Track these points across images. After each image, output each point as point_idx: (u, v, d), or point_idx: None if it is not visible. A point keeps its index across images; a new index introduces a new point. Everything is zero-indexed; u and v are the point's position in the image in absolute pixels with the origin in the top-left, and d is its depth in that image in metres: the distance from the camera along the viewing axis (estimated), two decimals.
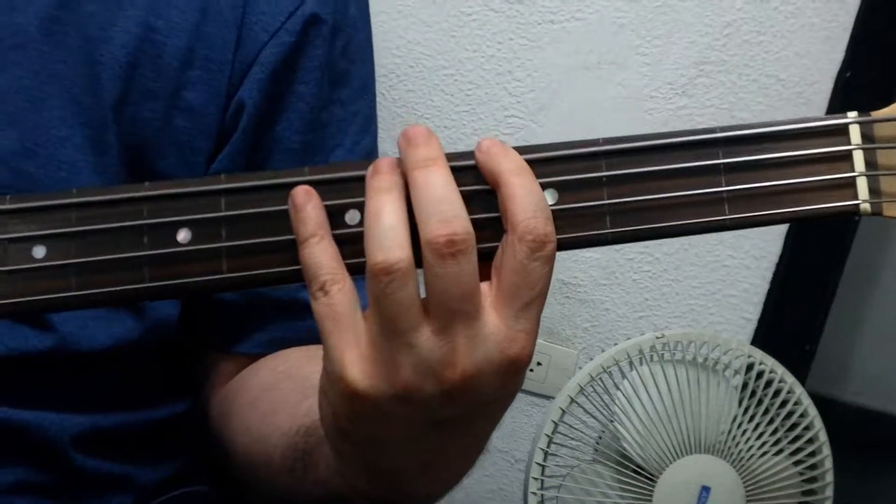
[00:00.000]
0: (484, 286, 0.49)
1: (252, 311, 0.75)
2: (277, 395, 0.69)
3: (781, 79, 1.43)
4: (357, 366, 0.49)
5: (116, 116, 0.68)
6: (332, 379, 0.50)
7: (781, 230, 1.51)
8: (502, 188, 0.49)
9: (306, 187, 0.51)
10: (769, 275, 1.54)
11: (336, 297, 0.49)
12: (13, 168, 0.67)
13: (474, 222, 0.49)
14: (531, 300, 0.49)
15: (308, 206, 0.50)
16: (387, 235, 0.48)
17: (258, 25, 0.70)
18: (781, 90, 1.44)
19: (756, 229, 1.51)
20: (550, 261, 0.49)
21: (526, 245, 0.48)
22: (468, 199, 0.50)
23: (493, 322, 0.48)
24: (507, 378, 0.50)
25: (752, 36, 1.43)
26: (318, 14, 0.72)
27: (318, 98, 0.74)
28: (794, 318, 1.56)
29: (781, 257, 1.52)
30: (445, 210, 0.48)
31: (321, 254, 0.49)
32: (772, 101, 1.44)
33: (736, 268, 1.54)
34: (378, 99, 1.57)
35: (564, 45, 1.48)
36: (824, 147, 0.52)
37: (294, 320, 0.73)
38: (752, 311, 1.56)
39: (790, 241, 1.51)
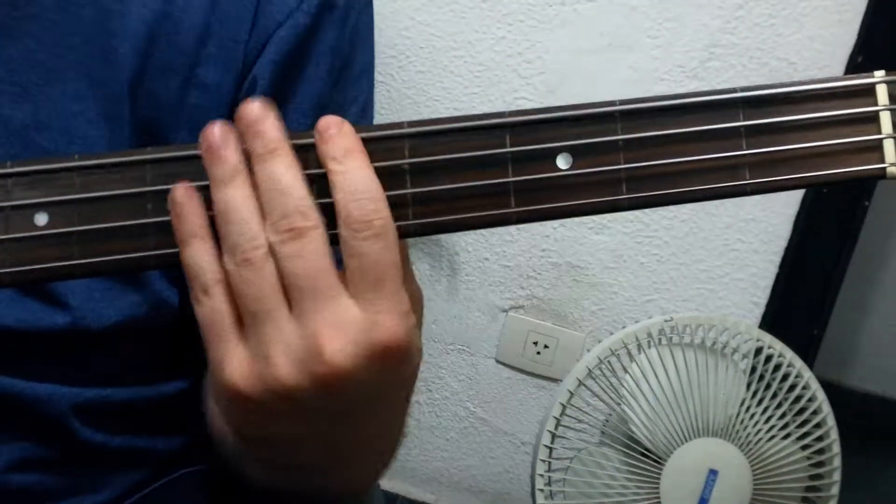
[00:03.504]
0: (342, 273, 0.50)
1: None
2: None
3: (793, 62, 1.43)
4: (237, 368, 0.50)
5: (133, 92, 0.68)
6: (217, 384, 0.52)
7: (790, 215, 1.51)
8: (328, 174, 0.50)
9: (186, 185, 0.51)
10: (778, 259, 1.54)
11: (218, 299, 0.50)
12: (25, 141, 0.66)
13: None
14: (377, 279, 0.49)
15: (188, 205, 0.50)
16: (242, 227, 0.49)
17: (274, 5, 0.70)
18: (793, 74, 1.43)
19: (765, 213, 1.51)
20: (382, 238, 0.49)
21: (350, 229, 0.49)
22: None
23: (350, 306, 0.49)
24: (387, 365, 0.50)
25: (763, 19, 1.43)
26: None
27: (327, 82, 0.74)
28: (803, 302, 1.56)
29: (790, 242, 1.52)
30: (286, 203, 0.49)
31: (203, 254, 0.50)
32: None
33: (745, 252, 1.54)
34: (387, 80, 1.57)
35: (575, 28, 1.47)
36: (849, 108, 0.50)
37: None
38: (760, 296, 1.56)
39: (799, 226, 1.51)
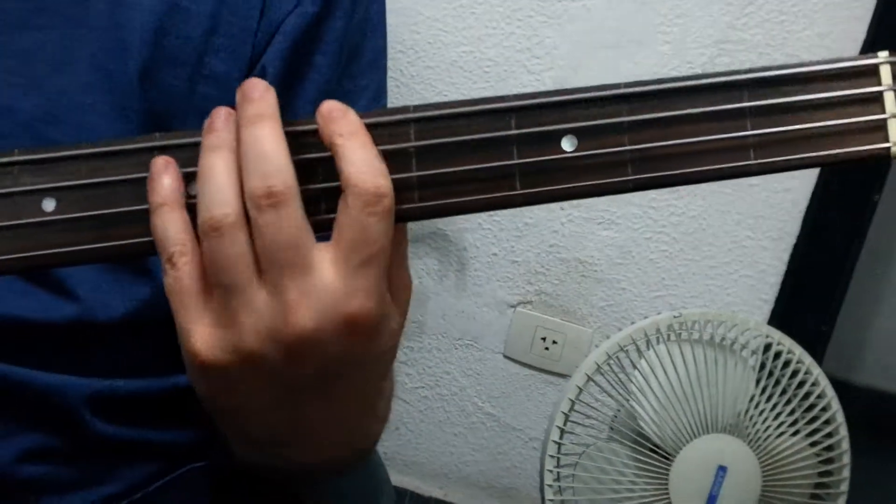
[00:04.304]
0: (325, 244, 0.50)
1: None
2: None
3: (803, 59, 1.42)
4: (201, 337, 0.51)
5: (142, 83, 0.68)
6: (184, 353, 0.52)
7: (800, 211, 1.50)
8: (334, 150, 0.50)
9: (166, 157, 0.51)
10: (787, 256, 1.54)
11: (183, 270, 0.50)
12: (35, 133, 0.66)
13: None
14: (369, 257, 0.49)
15: (164, 175, 0.51)
16: (216, 193, 0.50)
17: None
18: None
19: (774, 210, 1.51)
20: (387, 216, 0.50)
21: (359, 200, 0.49)
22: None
23: (329, 278, 0.49)
24: (353, 338, 0.50)
25: (773, 15, 1.42)
26: None
27: (334, 70, 0.74)
28: (812, 299, 1.55)
29: (799, 238, 1.52)
30: (266, 166, 0.49)
31: (171, 224, 0.50)
32: None
33: (753, 248, 1.54)
34: (396, 75, 1.57)
35: (585, 23, 1.47)
36: (853, 89, 0.50)
37: None
38: (769, 292, 1.56)
39: (808, 223, 1.50)
